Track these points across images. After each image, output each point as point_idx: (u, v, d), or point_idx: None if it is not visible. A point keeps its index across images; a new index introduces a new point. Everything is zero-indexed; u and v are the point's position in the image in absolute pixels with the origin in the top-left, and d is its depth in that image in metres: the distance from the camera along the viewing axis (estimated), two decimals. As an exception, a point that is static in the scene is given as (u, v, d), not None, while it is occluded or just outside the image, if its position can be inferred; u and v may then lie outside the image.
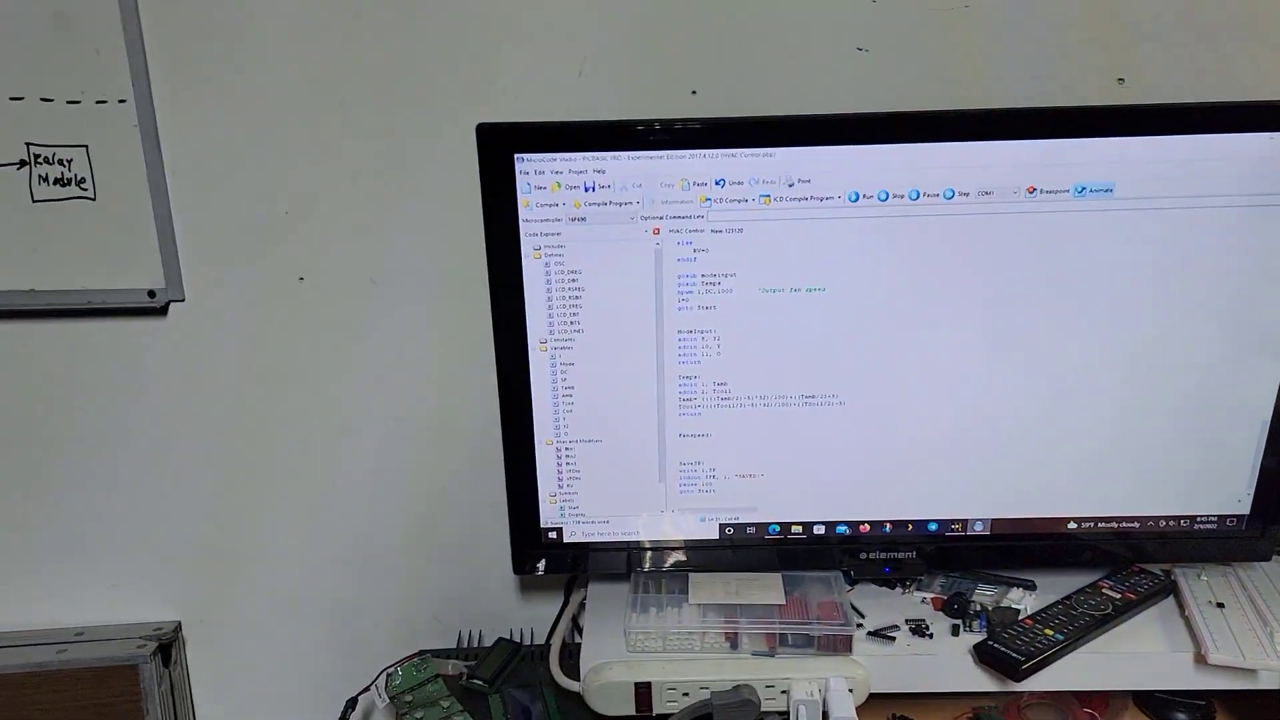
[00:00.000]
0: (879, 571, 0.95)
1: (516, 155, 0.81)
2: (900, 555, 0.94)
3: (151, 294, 0.95)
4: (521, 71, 0.91)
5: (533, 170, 0.82)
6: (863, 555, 0.94)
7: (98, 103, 0.89)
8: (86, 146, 0.90)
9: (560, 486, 0.91)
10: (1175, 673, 0.87)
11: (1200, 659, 0.85)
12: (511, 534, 0.93)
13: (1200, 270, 0.84)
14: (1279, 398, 0.87)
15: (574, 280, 0.85)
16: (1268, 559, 0.94)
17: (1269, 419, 0.88)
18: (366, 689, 0.93)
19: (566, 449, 0.90)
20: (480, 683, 0.93)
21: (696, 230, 0.83)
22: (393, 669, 0.92)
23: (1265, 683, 0.85)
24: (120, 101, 0.89)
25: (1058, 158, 0.81)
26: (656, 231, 0.84)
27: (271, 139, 0.92)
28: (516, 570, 0.94)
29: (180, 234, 0.94)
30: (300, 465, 1.03)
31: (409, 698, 0.90)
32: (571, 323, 0.86)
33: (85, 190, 0.91)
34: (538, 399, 0.88)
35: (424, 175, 0.93)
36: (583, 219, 0.83)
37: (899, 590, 0.96)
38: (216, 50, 0.90)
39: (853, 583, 0.97)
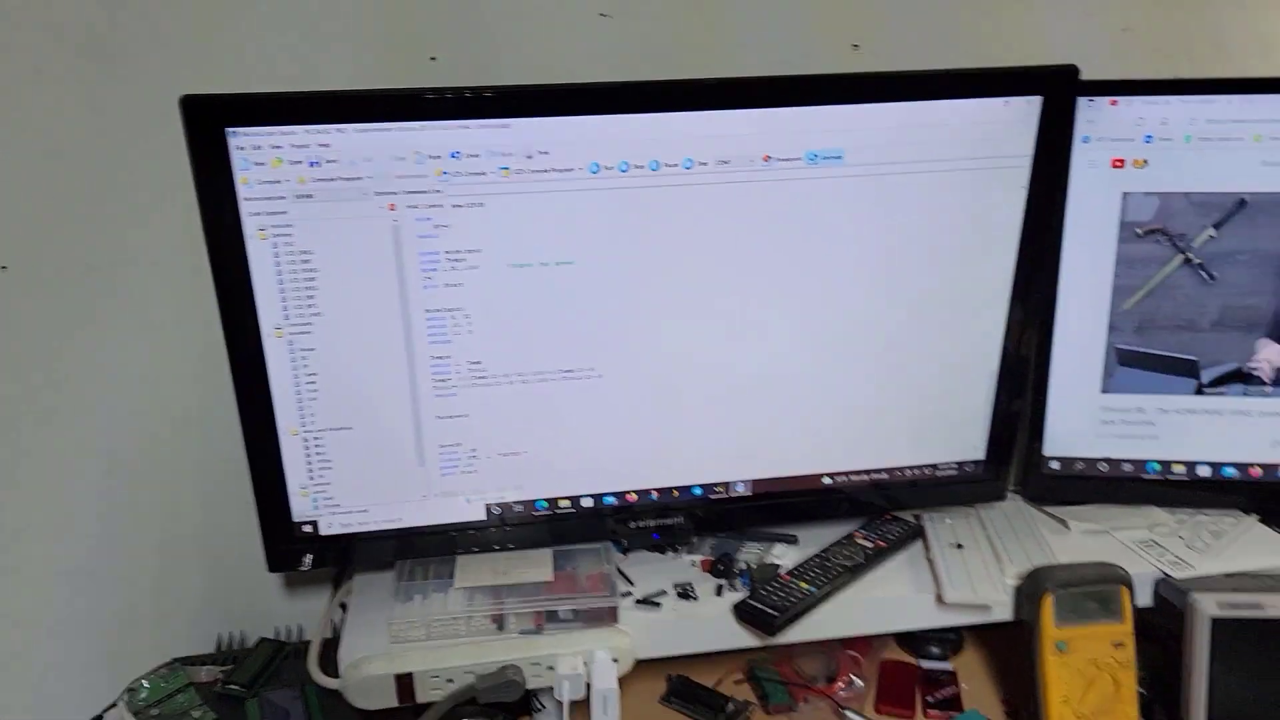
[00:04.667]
0: (649, 539, 0.96)
1: (229, 129, 0.75)
2: (669, 521, 0.95)
3: None
4: (241, 36, 0.84)
5: (249, 145, 0.76)
6: (632, 524, 0.94)
7: None
8: None
9: (311, 478, 0.87)
10: (921, 613, 0.92)
11: (940, 599, 0.91)
12: (263, 531, 0.88)
13: (928, 232, 0.87)
14: (1003, 349, 0.93)
15: (306, 262, 0.80)
16: (1003, 499, 1.01)
17: (996, 369, 0.94)
18: (113, 705, 0.87)
19: (315, 438, 0.86)
20: (237, 687, 0.88)
21: (435, 205, 0.80)
22: (137, 682, 0.87)
23: (999, 615, 0.92)
24: None
25: (790, 126, 0.82)
26: (392, 207, 0.80)
27: (-46, 111, 0.82)
28: (272, 568, 0.90)
29: None
30: (26, 470, 0.94)
31: (155, 711, 0.85)
32: (308, 307, 0.81)
33: None
34: (278, 388, 0.83)
35: (137, 151, 0.85)
36: (309, 196, 0.78)
37: (670, 555, 0.98)
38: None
39: (625, 550, 0.97)
